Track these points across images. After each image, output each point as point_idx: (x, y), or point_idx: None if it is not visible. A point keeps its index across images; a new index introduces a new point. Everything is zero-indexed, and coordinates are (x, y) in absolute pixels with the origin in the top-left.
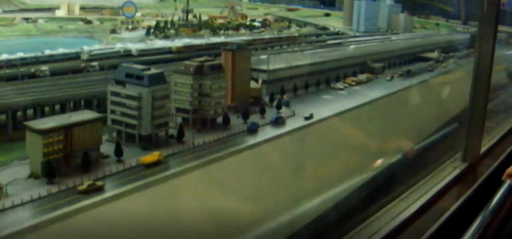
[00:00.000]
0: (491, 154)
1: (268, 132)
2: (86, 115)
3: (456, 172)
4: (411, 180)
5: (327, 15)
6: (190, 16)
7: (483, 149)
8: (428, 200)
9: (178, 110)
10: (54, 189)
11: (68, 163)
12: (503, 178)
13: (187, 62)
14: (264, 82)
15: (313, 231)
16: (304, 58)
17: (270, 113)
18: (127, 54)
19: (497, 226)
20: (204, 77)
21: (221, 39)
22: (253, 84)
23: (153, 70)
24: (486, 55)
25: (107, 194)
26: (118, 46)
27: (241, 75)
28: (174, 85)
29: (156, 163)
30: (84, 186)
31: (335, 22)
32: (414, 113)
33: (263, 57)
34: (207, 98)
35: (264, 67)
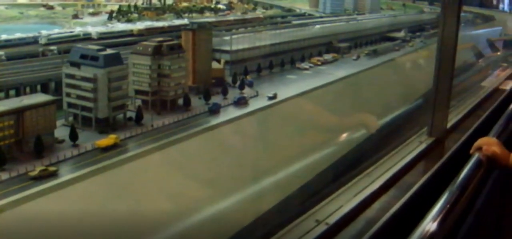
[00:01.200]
0: (458, 129)
1: (230, 113)
2: (39, 98)
3: (422, 147)
4: (376, 157)
5: None
6: (155, 0)
7: (450, 124)
8: (393, 175)
9: (137, 92)
10: (4, 176)
11: (20, 149)
12: (471, 151)
13: (145, 43)
14: (227, 62)
15: (273, 211)
16: (268, 38)
17: (233, 94)
18: (86, 38)
19: (466, 199)
20: (163, 58)
21: (184, 21)
22: (215, 65)
23: (109, 51)
24: (450, 30)
25: (60, 179)
26: (78, 30)
27: (202, 55)
28: (132, 66)
29: (113, 147)
30: (36, 172)
31: (301, 4)
32: (379, 92)
33: (227, 38)
34: (167, 79)
35: (227, 48)
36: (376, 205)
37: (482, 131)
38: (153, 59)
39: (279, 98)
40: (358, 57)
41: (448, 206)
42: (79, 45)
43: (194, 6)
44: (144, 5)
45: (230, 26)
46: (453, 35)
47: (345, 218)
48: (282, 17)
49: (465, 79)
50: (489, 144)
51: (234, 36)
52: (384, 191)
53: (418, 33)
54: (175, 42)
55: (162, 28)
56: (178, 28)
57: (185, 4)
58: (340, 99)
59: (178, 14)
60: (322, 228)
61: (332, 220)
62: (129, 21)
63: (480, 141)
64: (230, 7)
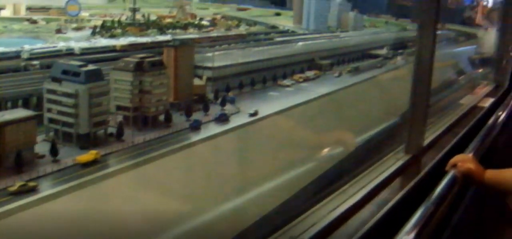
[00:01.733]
0: (435, 146)
1: (211, 129)
2: (20, 113)
3: (398, 164)
4: (353, 174)
5: (278, 14)
6: (139, 16)
7: (427, 141)
8: (369, 192)
9: (119, 108)
10: None
11: (0, 164)
12: (446, 168)
13: (127, 59)
14: (209, 79)
15: (249, 229)
16: (250, 55)
17: (215, 110)
18: (69, 53)
19: (441, 215)
20: (145, 74)
21: (167, 37)
22: (197, 81)
23: (90, 67)
24: (426, 48)
25: (40, 194)
26: (61, 45)
27: (184, 72)
28: (113, 82)
29: (93, 162)
30: (15, 187)
31: (285, 21)
32: (360, 109)
33: (209, 54)
34: (148, 95)
35: (209, 64)
36: (351, 222)
37: (459, 148)
38: (135, 75)
39: (260, 115)
40: (340, 74)
41: (422, 221)
42: (62, 60)
43: (177, 22)
44: (128, 21)
45: (213, 42)
46: (429, 54)
47: (319, 234)
48: (266, 33)
49: (444, 97)
50: (464, 161)
51: (216, 53)
52: (360, 208)
53: (400, 50)
54: (156, 58)
55: (145, 44)
56: (161, 44)
57: (169, 20)
58: (321, 116)
59: (162, 30)
60: None
61: (306, 236)
62: (112, 36)
63: (456, 158)
64: (213, 23)
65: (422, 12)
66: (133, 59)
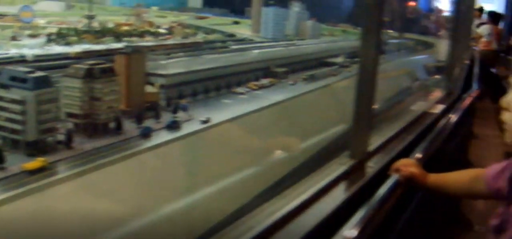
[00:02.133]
0: (382, 152)
1: (161, 137)
2: None
3: (342, 168)
4: (295, 179)
5: (237, 23)
6: (96, 23)
7: (374, 147)
8: (309, 197)
9: (69, 115)
10: None
11: None
12: (389, 172)
13: (77, 66)
14: (162, 86)
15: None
16: (205, 63)
17: (167, 118)
18: (22, 60)
19: (382, 218)
20: (95, 81)
21: (122, 44)
22: (150, 89)
23: (38, 73)
24: (370, 54)
25: None
26: (13, 52)
27: (136, 79)
28: (63, 89)
29: (41, 170)
30: None
31: (243, 29)
32: (312, 115)
33: (163, 62)
34: (98, 102)
35: (162, 72)
36: (291, 226)
37: (405, 153)
38: (85, 82)
39: (212, 122)
40: (295, 82)
41: (361, 224)
42: (13, 67)
43: (135, 29)
44: (84, 28)
45: (169, 50)
46: (373, 60)
47: (257, 237)
48: (222, 42)
49: (396, 103)
50: (407, 165)
51: (169, 61)
52: (299, 213)
53: (356, 59)
54: (107, 65)
55: (99, 51)
56: (115, 51)
57: (126, 28)
58: (272, 123)
59: (118, 37)
60: None
61: None
62: (68, 44)
63: (398, 163)
64: (171, 31)
65: (365, 19)
66: (83, 65)
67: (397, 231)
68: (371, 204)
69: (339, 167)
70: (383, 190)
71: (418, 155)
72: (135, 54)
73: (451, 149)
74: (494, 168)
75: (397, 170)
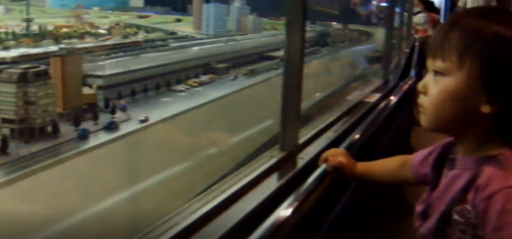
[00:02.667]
0: (314, 143)
1: (99, 138)
2: None
3: (272, 161)
4: (228, 173)
5: (179, 20)
6: (35, 27)
7: (306, 138)
8: (237, 191)
9: (4, 120)
10: None
11: None
12: (318, 163)
13: (10, 70)
14: (99, 87)
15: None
16: (144, 62)
17: (105, 119)
18: None
19: (309, 208)
20: (29, 85)
21: (62, 47)
22: (87, 90)
23: None
24: (295, 46)
25: None
26: None
27: (72, 81)
28: None
29: None
30: None
31: (186, 27)
32: (251, 109)
33: (101, 63)
34: (33, 107)
35: (100, 73)
36: (216, 221)
37: (337, 143)
38: (18, 86)
39: (150, 121)
40: (236, 77)
41: (285, 215)
42: None
43: (75, 31)
44: (23, 32)
45: (108, 50)
46: (299, 51)
47: (180, 234)
48: (163, 40)
49: (333, 94)
50: (336, 155)
51: (107, 61)
52: (226, 207)
53: None
54: (42, 68)
55: (37, 54)
56: (54, 54)
57: (65, 29)
58: (211, 119)
59: (58, 40)
60: None
61: (165, 237)
62: (5, 48)
63: (327, 153)
64: (111, 32)
65: (289, 10)
66: (16, 70)
67: (331, 220)
68: (295, 196)
69: (269, 160)
70: (311, 180)
71: (347, 145)
72: (70, 56)
73: (391, 137)
74: (420, 154)
75: (326, 160)
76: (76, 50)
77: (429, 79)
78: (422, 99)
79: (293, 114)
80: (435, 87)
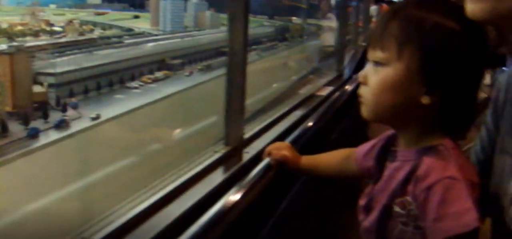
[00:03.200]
0: (261, 137)
1: (49, 136)
2: None
3: (216, 156)
4: (169, 168)
5: (137, 17)
6: None
7: (252, 132)
8: (178, 187)
9: None
10: None
11: None
12: (262, 157)
13: None
14: (51, 85)
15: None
16: (97, 59)
17: (56, 117)
18: None
19: (252, 202)
20: None
21: (14, 45)
22: (38, 89)
23: None
24: (238, 40)
25: None
26: None
27: (21, 79)
28: None
29: None
30: None
31: (143, 23)
32: (204, 104)
33: (53, 60)
34: None
35: (52, 71)
36: (155, 217)
37: (285, 137)
38: None
39: (102, 118)
40: (191, 73)
41: (225, 208)
42: None
43: (30, 29)
44: None
45: (63, 48)
46: (242, 45)
47: (115, 232)
48: (118, 37)
49: (284, 88)
50: (280, 148)
51: (58, 59)
52: (166, 203)
53: (254, 46)
54: None
55: None
56: (5, 52)
57: (20, 27)
58: (163, 115)
59: (11, 38)
60: None
61: (98, 236)
62: None
63: (271, 146)
64: (66, 29)
65: (231, 3)
66: None
67: (278, 215)
68: (240, 186)
69: (213, 155)
70: (253, 173)
71: (293, 139)
72: (19, 54)
73: (346, 130)
74: (364, 146)
75: (270, 154)
76: (27, 48)
77: (369, 69)
78: (362, 90)
79: (237, 108)
80: (375, 77)
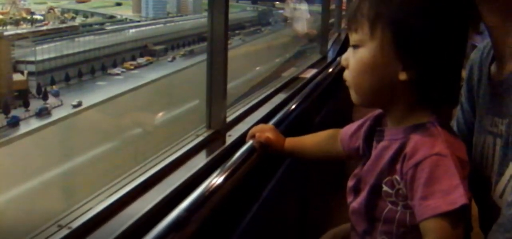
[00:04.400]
0: (244, 120)
1: (30, 124)
2: None
3: (198, 140)
4: (149, 153)
5: (119, 4)
6: None
7: (235, 115)
8: (158, 171)
9: None
10: None
11: None
12: (246, 139)
13: None
14: (31, 73)
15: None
16: (78, 46)
17: (37, 105)
18: None
19: (236, 185)
20: None
21: None
22: (18, 77)
23: None
24: (219, 23)
25: None
26: None
27: (1, 67)
28: None
29: None
30: None
31: (126, 10)
32: (187, 89)
33: (33, 48)
34: None
35: (32, 59)
36: (135, 204)
37: (268, 120)
38: None
39: (84, 106)
40: (174, 58)
41: (207, 191)
42: None
43: (10, 18)
44: None
45: (44, 36)
46: (222, 29)
47: (93, 220)
48: (100, 24)
49: (268, 71)
50: (263, 130)
51: (39, 47)
52: (147, 188)
53: (237, 31)
54: None
55: None
56: None
57: (0, 16)
58: (146, 101)
59: None
60: (63, 232)
61: (76, 224)
62: None
63: (254, 129)
64: (46, 17)
65: None
66: None
67: (262, 200)
68: (223, 169)
69: (194, 139)
70: (237, 156)
71: (277, 121)
72: None
73: (331, 111)
74: (350, 127)
75: (253, 137)
76: (7, 36)
77: (349, 52)
78: (345, 74)
79: (219, 91)
80: (353, 59)
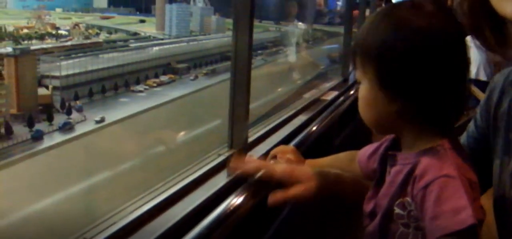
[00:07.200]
0: (265, 141)
1: (54, 139)
2: None
3: (220, 158)
4: (172, 171)
5: (142, 21)
6: None
7: (256, 136)
8: (181, 189)
9: None
10: None
11: None
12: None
13: None
14: (56, 88)
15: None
16: (102, 62)
17: (61, 120)
18: None
19: (257, 199)
20: None
21: (19, 47)
22: (43, 91)
23: None
24: (243, 44)
25: None
26: None
27: (27, 82)
28: None
29: None
30: None
31: (149, 28)
32: (209, 108)
33: (58, 63)
34: None
35: (57, 74)
36: (157, 220)
37: (289, 141)
38: None
39: (107, 122)
40: (196, 77)
41: (229, 210)
42: None
43: (36, 32)
44: None
45: (68, 51)
46: (246, 50)
47: (117, 234)
48: (124, 40)
49: (289, 92)
50: (284, 151)
51: (64, 62)
52: (169, 205)
53: (259, 51)
54: None
55: None
56: (8, 54)
57: (26, 31)
58: (168, 119)
59: (17, 41)
60: None
61: (101, 237)
62: None
63: (276, 149)
64: (71, 33)
65: (236, 7)
66: None
67: (282, 218)
68: (243, 189)
69: (216, 158)
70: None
71: (298, 142)
72: (24, 56)
73: (350, 134)
74: (368, 149)
75: (274, 157)
76: (32, 50)
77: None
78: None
79: (241, 112)
80: (359, 94)
